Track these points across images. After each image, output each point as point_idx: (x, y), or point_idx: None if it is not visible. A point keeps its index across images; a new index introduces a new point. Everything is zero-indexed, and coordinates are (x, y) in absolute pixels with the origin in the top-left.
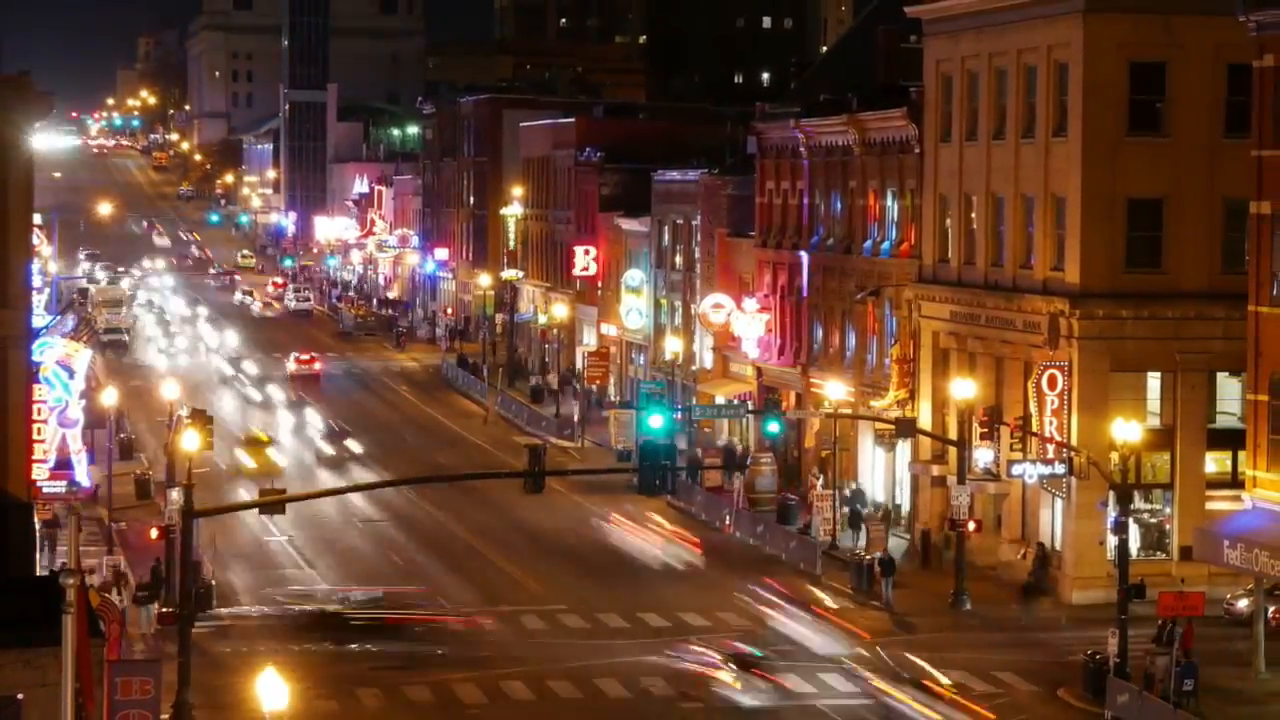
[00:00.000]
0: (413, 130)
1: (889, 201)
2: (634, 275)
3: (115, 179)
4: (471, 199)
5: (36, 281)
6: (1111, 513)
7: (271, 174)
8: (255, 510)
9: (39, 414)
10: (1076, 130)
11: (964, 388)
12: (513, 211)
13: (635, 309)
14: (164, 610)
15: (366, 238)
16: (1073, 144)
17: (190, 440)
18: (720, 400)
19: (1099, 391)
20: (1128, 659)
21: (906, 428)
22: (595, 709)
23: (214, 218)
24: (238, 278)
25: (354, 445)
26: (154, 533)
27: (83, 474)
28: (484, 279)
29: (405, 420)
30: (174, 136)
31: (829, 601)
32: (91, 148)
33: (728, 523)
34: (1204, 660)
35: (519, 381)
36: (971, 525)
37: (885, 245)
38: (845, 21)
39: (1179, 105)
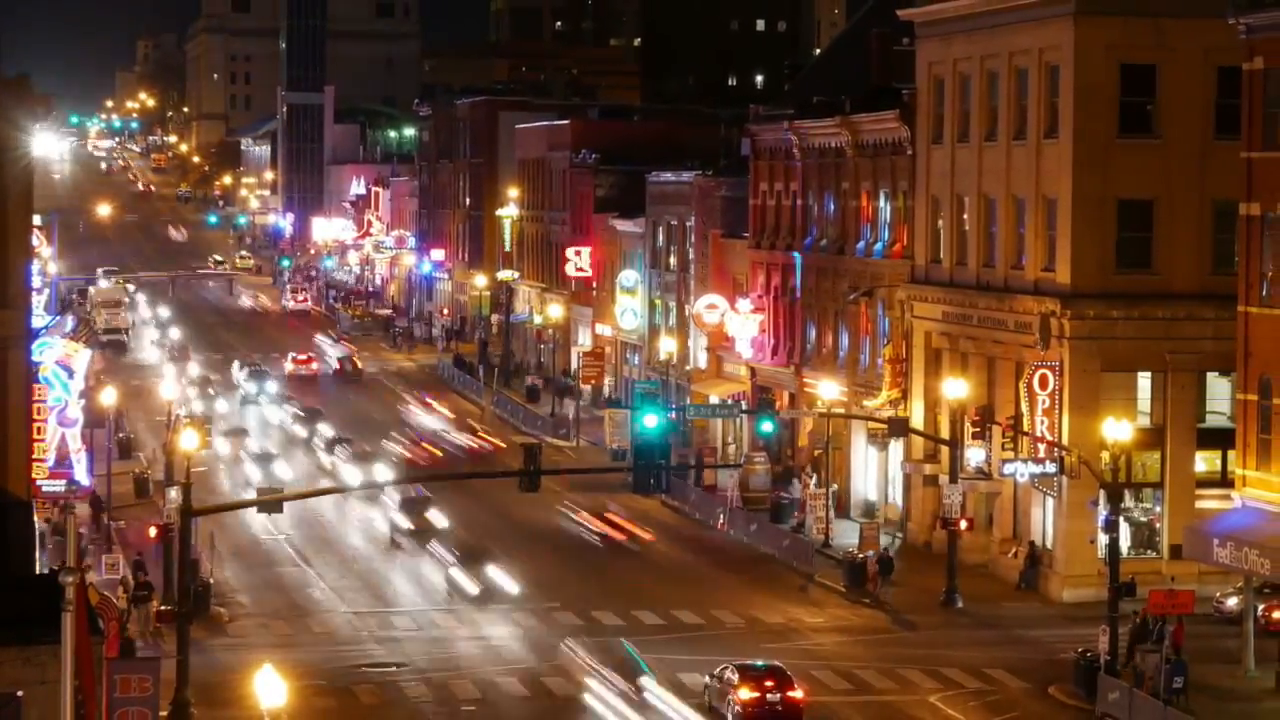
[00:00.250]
0: (409, 132)
1: (881, 203)
2: (629, 276)
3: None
4: (467, 200)
5: (36, 282)
6: (1102, 511)
7: (269, 175)
8: (254, 509)
9: (39, 414)
10: (1067, 132)
11: (956, 387)
12: (508, 213)
13: (630, 309)
14: (162, 608)
15: (363, 239)
16: (1064, 145)
17: (189, 439)
18: (714, 400)
19: (1090, 391)
20: (1117, 656)
21: (899, 427)
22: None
23: (212, 219)
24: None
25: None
26: (152, 531)
27: (82, 473)
28: (480, 279)
29: (401, 420)
30: (172, 138)
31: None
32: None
33: (722, 522)
34: (1194, 658)
35: (515, 381)
36: (964, 524)
37: (878, 246)
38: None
39: (1169, 107)
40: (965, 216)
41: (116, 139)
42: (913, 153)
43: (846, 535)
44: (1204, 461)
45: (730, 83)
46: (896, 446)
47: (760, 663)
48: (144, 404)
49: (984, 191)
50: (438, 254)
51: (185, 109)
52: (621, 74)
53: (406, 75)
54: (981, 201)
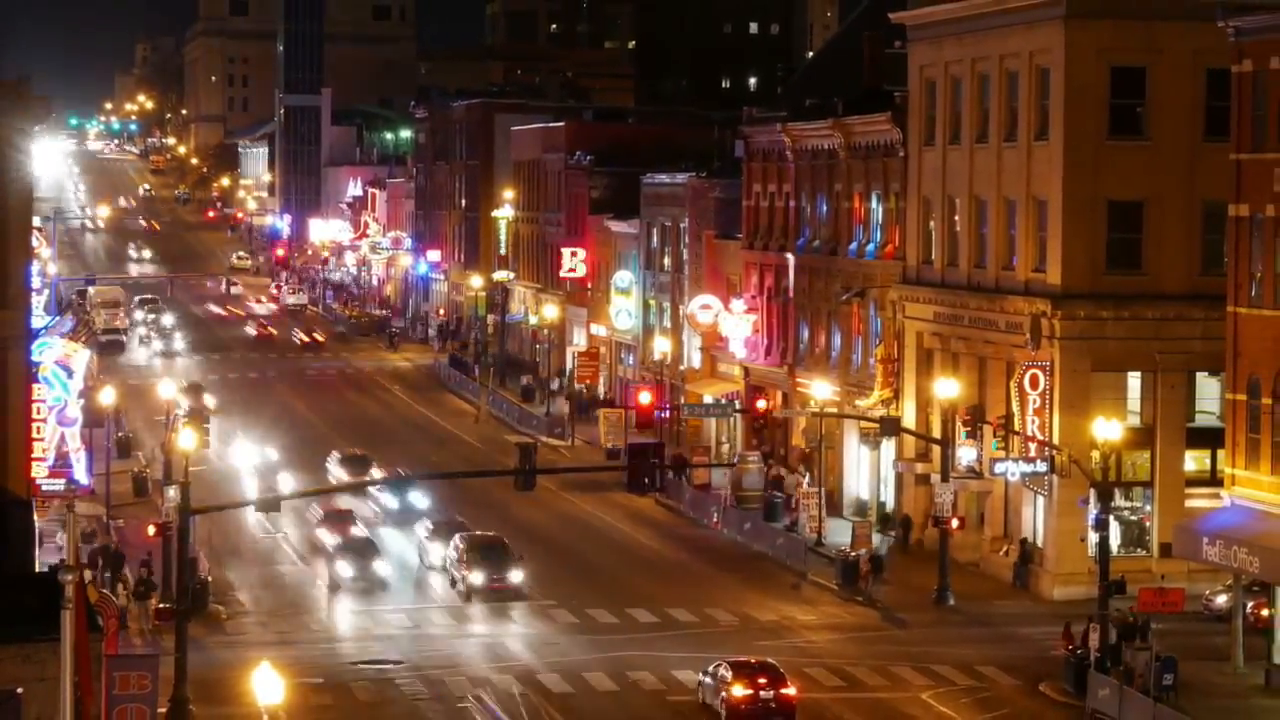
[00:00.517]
0: (405, 134)
1: (874, 204)
2: (623, 277)
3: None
4: (463, 201)
5: (35, 283)
6: (1092, 510)
7: (267, 177)
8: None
9: (38, 413)
10: (1058, 134)
11: (947, 387)
12: (504, 214)
13: (624, 310)
14: (161, 606)
15: (360, 240)
16: (1054, 147)
17: (187, 439)
18: (708, 399)
19: (1080, 391)
20: (1107, 653)
21: (891, 426)
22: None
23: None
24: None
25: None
26: (151, 529)
27: (81, 472)
28: (476, 280)
29: (399, 419)
30: (171, 140)
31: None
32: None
33: (715, 520)
34: (1183, 655)
35: (510, 381)
36: (955, 522)
37: (870, 247)
38: (831, 27)
39: (1159, 109)
40: (956, 218)
41: (115, 140)
42: (904, 154)
43: (839, 534)
44: (1193, 461)
45: (724, 85)
46: (888, 446)
47: (753, 660)
48: (142, 403)
49: (975, 193)
50: (434, 255)
51: (184, 111)
52: (616, 76)
53: (403, 77)
54: (973, 203)
